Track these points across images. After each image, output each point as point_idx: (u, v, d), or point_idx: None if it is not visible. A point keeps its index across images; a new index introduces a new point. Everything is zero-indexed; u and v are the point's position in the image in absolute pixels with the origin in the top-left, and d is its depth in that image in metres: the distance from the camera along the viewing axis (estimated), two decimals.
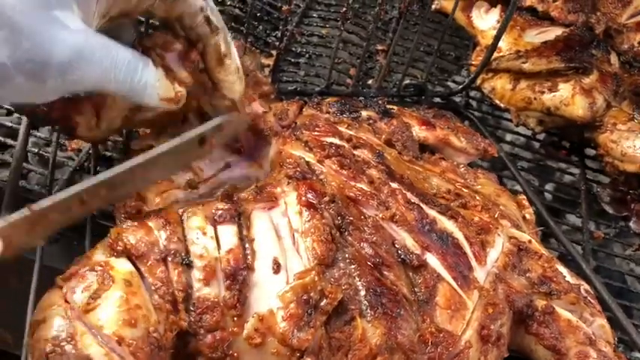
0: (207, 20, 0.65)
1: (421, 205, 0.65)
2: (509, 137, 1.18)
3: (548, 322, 0.63)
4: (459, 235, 0.63)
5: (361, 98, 0.88)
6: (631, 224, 1.05)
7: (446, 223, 0.64)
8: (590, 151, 1.14)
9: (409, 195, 0.65)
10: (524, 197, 0.76)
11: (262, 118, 0.79)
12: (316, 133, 0.75)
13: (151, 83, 0.60)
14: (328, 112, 0.82)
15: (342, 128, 0.78)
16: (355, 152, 0.73)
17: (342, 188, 0.65)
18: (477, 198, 0.68)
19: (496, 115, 1.19)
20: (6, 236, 0.51)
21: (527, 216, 0.76)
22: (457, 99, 1.16)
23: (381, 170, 0.68)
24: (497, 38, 0.99)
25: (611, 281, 0.97)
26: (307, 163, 0.70)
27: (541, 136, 1.17)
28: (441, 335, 0.58)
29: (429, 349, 0.58)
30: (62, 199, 0.55)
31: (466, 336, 0.59)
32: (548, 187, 1.13)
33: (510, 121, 1.13)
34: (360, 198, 0.65)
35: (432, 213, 0.65)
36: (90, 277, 0.55)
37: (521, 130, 1.15)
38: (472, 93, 1.21)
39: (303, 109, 0.83)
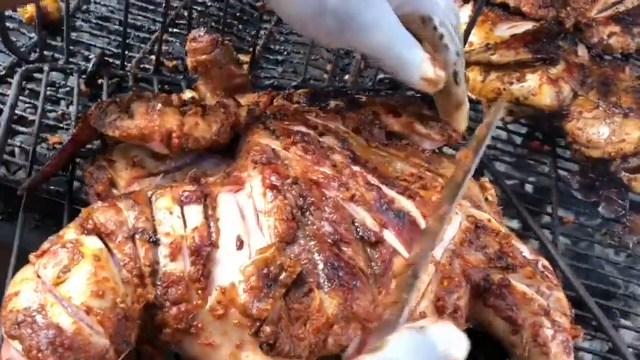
0: (455, 74, 0.77)
1: (381, 186, 0.68)
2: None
3: (504, 295, 0.66)
4: (416, 213, 0.66)
5: (331, 88, 0.91)
6: (600, 209, 1.08)
7: (404, 202, 0.67)
8: (562, 141, 1.18)
9: (369, 177, 0.69)
10: (487, 180, 0.79)
11: (235, 111, 0.82)
12: (284, 122, 0.78)
13: (417, 63, 0.70)
14: (298, 103, 0.86)
15: (310, 117, 0.81)
16: (321, 139, 0.76)
17: (305, 172, 0.69)
18: (440, 180, 0.72)
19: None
20: None
21: (490, 197, 0.79)
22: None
23: (346, 155, 0.72)
24: (467, 32, 1.02)
25: (579, 263, 1.01)
26: (273, 150, 0.73)
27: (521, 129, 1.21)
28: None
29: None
30: None
31: (420, 307, 0.63)
32: (522, 176, 1.17)
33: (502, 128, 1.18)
34: (322, 180, 0.68)
35: (391, 193, 0.68)
36: (61, 254, 0.59)
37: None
38: None
39: (274, 100, 0.86)
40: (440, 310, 0.63)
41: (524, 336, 0.65)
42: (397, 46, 0.69)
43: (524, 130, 1.23)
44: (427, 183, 0.70)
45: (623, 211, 1.06)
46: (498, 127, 1.20)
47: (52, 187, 0.85)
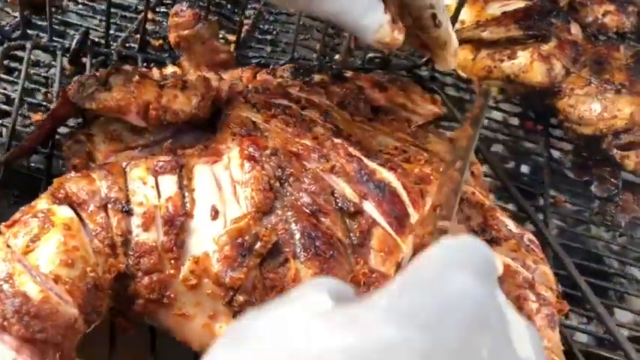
0: (434, 17, 0.72)
1: (362, 157, 0.67)
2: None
3: None
4: (396, 184, 0.65)
5: (316, 63, 0.90)
6: (592, 188, 1.07)
7: (385, 174, 0.66)
8: (555, 121, 1.16)
9: (351, 149, 0.67)
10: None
11: (216, 86, 0.80)
12: (266, 95, 0.77)
13: (374, 29, 0.69)
14: (282, 77, 0.84)
15: (292, 91, 0.79)
16: (303, 112, 0.75)
17: (285, 144, 0.67)
18: (424, 154, 0.70)
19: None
20: None
21: (475, 171, 0.77)
22: (424, 73, 1.18)
23: (328, 128, 0.70)
24: (457, 10, 1.01)
25: (570, 242, 0.99)
26: (253, 122, 0.72)
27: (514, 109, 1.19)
28: (374, 276, 0.60)
29: (361, 289, 0.60)
30: None
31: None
32: (518, 158, 1.15)
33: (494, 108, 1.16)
34: (302, 152, 0.67)
35: (372, 165, 0.67)
36: (31, 223, 0.58)
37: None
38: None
39: (257, 75, 0.85)
40: None
41: None
42: (355, 11, 0.68)
43: (517, 110, 1.21)
44: (411, 156, 0.69)
45: (616, 190, 1.05)
46: (491, 107, 1.19)
47: (32, 164, 0.84)
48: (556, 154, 1.12)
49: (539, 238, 0.75)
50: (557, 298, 0.65)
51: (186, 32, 0.85)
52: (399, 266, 0.60)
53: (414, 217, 0.63)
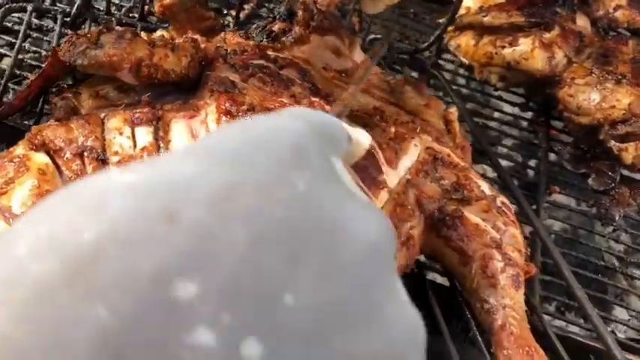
0: None
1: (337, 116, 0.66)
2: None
3: (456, 226, 0.65)
4: (372, 142, 0.64)
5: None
6: (589, 181, 1.05)
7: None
8: (556, 113, 1.14)
9: (328, 107, 0.67)
10: (452, 111, 0.76)
11: (204, 47, 0.80)
12: (245, 56, 0.77)
13: None
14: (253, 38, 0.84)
15: (269, 52, 0.79)
16: (281, 72, 0.75)
17: (262, 101, 0.67)
18: (401, 113, 0.70)
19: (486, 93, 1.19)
20: None
21: (452, 130, 0.76)
22: (427, 60, 1.17)
23: (306, 87, 0.70)
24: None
25: (562, 233, 0.98)
26: (232, 81, 0.72)
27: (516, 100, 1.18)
28: None
29: None
30: None
31: None
32: (526, 155, 1.14)
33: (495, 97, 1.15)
34: (278, 109, 0.66)
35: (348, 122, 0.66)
36: (7, 168, 0.58)
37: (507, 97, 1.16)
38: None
39: (232, 38, 0.84)
40: None
41: (473, 267, 0.63)
42: None
43: (519, 101, 1.20)
44: (387, 116, 0.68)
45: (613, 184, 1.03)
46: (493, 97, 1.18)
47: (25, 122, 0.84)
48: (556, 146, 1.10)
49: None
50: (525, 260, 0.64)
51: (168, 1, 0.86)
52: None
53: (387, 173, 0.63)
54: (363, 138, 0.40)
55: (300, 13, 0.76)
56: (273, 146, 0.29)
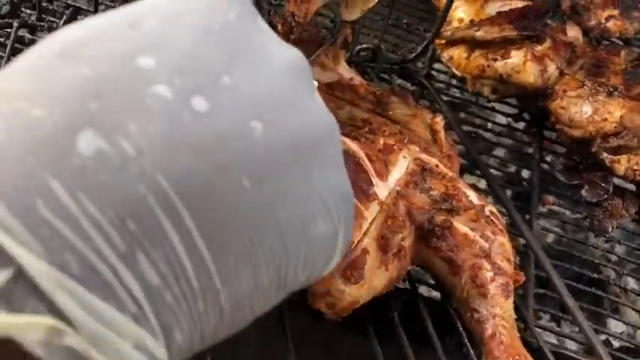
0: None
1: None
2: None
3: (445, 236, 0.65)
4: (360, 154, 0.65)
5: None
6: (583, 192, 1.05)
7: (349, 144, 0.66)
8: (549, 123, 1.15)
9: None
10: (438, 120, 0.77)
11: None
12: None
13: None
14: None
15: None
16: None
17: None
18: (388, 124, 0.71)
19: (480, 104, 1.19)
20: None
21: (438, 140, 0.76)
22: (420, 70, 1.17)
23: None
24: (448, 4, 1.01)
25: (554, 244, 0.98)
26: None
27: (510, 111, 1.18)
28: None
29: None
30: None
31: (363, 243, 0.61)
32: (520, 163, 1.15)
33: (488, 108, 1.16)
34: None
35: None
36: None
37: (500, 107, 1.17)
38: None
39: None
40: (383, 249, 0.62)
41: (463, 277, 0.64)
42: None
43: (512, 111, 1.20)
44: (376, 128, 0.69)
45: (606, 195, 1.03)
46: (487, 107, 1.18)
47: None
48: (549, 157, 1.10)
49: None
50: (514, 269, 0.64)
51: None
52: (364, 233, 0.61)
53: (378, 185, 0.63)
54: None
55: (279, 27, 0.76)
56: None
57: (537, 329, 0.88)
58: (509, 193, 1.12)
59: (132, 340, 0.28)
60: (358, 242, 0.60)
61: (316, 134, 0.36)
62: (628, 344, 0.92)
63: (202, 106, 0.31)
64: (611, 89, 1.00)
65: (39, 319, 0.26)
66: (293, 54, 0.37)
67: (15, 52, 0.95)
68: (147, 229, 0.28)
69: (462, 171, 1.11)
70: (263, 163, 0.32)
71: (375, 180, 0.63)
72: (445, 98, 1.16)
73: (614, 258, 1.05)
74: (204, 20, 0.34)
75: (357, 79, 0.76)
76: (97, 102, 0.29)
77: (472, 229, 0.64)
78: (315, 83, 0.39)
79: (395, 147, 0.66)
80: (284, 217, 0.33)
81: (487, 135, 1.17)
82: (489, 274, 0.62)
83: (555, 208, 1.07)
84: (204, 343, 0.33)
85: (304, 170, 0.34)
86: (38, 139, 0.28)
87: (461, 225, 0.64)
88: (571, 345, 0.90)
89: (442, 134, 0.74)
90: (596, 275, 0.96)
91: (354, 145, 0.64)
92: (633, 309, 0.98)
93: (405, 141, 0.68)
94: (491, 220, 0.66)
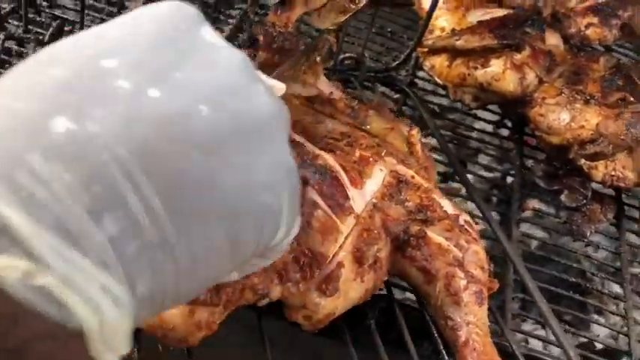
0: None
1: (304, 143, 0.68)
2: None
3: (420, 246, 0.67)
4: (337, 168, 0.66)
5: None
6: (562, 197, 1.07)
7: (326, 157, 0.67)
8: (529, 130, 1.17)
9: (294, 135, 0.69)
10: (414, 133, 0.78)
11: None
12: None
13: None
14: None
15: None
16: None
17: None
18: (366, 137, 0.72)
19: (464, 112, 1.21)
20: None
21: (414, 153, 0.78)
22: (404, 78, 1.19)
23: None
24: (429, 14, 1.03)
25: (533, 250, 1.00)
26: None
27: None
28: (312, 256, 0.61)
29: (302, 269, 0.61)
30: None
31: (339, 257, 0.63)
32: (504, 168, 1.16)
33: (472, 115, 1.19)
34: None
35: (315, 150, 0.68)
36: None
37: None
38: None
39: None
40: (359, 261, 0.63)
41: (437, 286, 0.66)
42: None
43: (495, 119, 1.22)
44: (353, 141, 0.70)
45: (585, 200, 1.05)
46: (469, 114, 1.20)
47: None
48: (529, 163, 1.13)
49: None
50: (489, 277, 0.66)
51: None
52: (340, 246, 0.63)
53: (354, 198, 0.65)
54: (277, 85, 0.48)
55: (261, 38, 0.78)
56: (155, 11, 0.41)
57: (519, 334, 0.91)
58: (494, 199, 1.14)
59: (98, 282, 0.33)
60: (334, 256, 0.62)
61: (260, 116, 0.40)
62: (608, 347, 0.93)
63: (157, 94, 0.36)
64: (588, 97, 1.02)
65: (17, 262, 0.31)
66: (238, 53, 0.41)
67: (2, 64, 0.97)
68: (110, 190, 0.33)
69: (446, 178, 1.14)
70: (209, 138, 0.37)
71: (350, 193, 0.64)
72: (429, 106, 1.19)
73: (595, 262, 1.07)
74: (160, 29, 0.39)
75: (337, 94, 0.78)
76: (68, 95, 0.34)
77: (446, 239, 0.66)
78: (261, 74, 0.43)
79: (371, 159, 0.68)
80: (230, 185, 0.37)
81: (471, 142, 1.19)
82: (463, 282, 0.64)
83: (536, 213, 1.09)
84: (166, 295, 0.37)
85: (249, 146, 0.39)
86: (17, 123, 0.33)
87: (435, 235, 0.66)
88: (555, 350, 0.91)
89: (419, 146, 0.76)
90: (577, 280, 0.98)
91: (331, 160, 0.66)
92: (614, 313, 1.00)
93: (382, 153, 0.69)
94: (466, 229, 0.68)
